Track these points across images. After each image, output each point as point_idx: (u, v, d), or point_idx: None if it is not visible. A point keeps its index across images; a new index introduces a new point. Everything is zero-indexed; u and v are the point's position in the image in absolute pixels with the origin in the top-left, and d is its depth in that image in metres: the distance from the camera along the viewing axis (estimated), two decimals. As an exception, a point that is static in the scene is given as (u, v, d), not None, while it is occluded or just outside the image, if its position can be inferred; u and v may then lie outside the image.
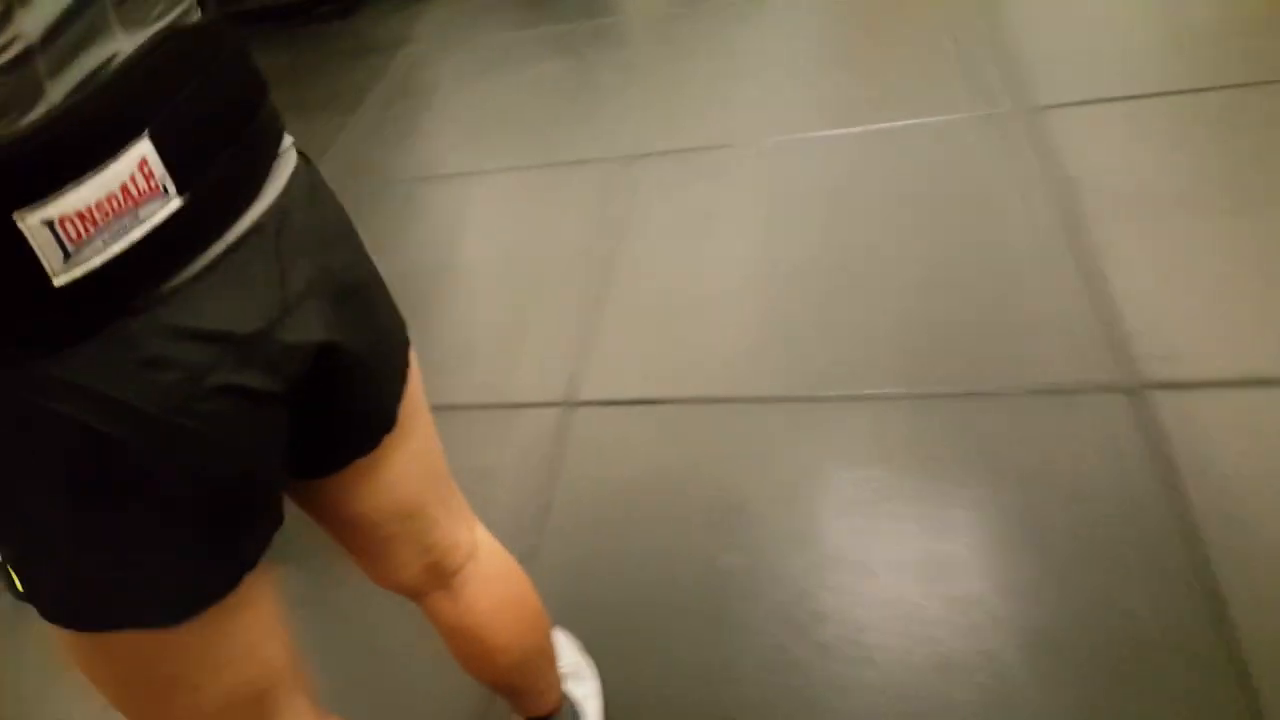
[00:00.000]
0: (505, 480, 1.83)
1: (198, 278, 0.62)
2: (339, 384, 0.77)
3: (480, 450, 1.92)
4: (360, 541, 0.95)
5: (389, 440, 0.86)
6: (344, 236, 0.79)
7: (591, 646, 1.47)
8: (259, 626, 0.77)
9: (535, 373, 2.07)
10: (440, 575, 1.01)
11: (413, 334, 0.92)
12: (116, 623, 0.68)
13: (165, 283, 0.60)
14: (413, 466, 0.91)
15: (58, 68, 0.54)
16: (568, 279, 2.32)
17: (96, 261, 0.56)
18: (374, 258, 0.83)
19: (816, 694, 1.36)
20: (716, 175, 2.56)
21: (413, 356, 0.91)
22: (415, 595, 1.04)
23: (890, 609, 1.44)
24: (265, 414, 0.69)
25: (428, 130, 3.25)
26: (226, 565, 0.72)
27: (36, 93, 0.53)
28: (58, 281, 0.55)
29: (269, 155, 0.70)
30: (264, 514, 0.75)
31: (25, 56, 0.53)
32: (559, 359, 2.08)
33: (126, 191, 0.57)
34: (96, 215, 0.56)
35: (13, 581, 0.66)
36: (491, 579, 1.06)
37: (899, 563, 1.50)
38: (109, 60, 0.57)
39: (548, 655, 1.20)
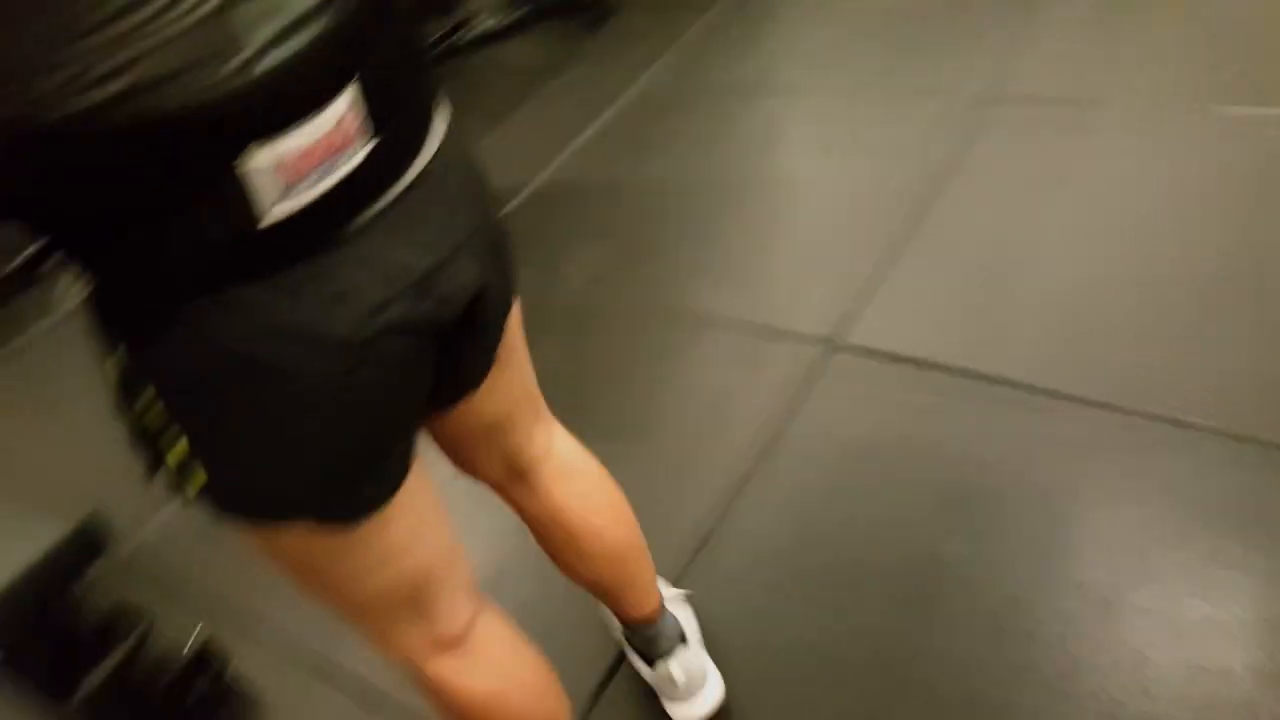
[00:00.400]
0: (743, 404, 1.82)
1: (379, 217, 0.67)
2: (469, 329, 0.80)
3: (728, 369, 1.92)
4: (443, 443, 1.03)
5: (494, 377, 0.93)
6: (488, 190, 0.83)
7: (777, 589, 1.45)
8: (409, 531, 0.85)
9: (808, 304, 2.01)
10: (515, 471, 1.08)
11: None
12: (278, 517, 0.77)
13: (354, 221, 0.66)
14: (502, 394, 0.98)
15: (256, 18, 0.58)
16: (873, 215, 2.20)
17: (303, 201, 0.61)
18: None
19: (997, 714, 1.26)
20: (1077, 135, 2.28)
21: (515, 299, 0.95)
22: (496, 489, 1.10)
23: (1113, 654, 1.28)
24: (429, 347, 0.75)
25: (769, 40, 3.18)
26: (380, 482, 0.80)
27: (237, 43, 0.57)
28: (268, 220, 0.60)
29: (433, 105, 0.74)
30: (412, 438, 0.83)
31: (224, 6, 0.57)
32: (837, 296, 2.00)
33: (334, 135, 0.62)
34: (308, 158, 0.60)
35: (184, 486, 0.74)
36: (567, 474, 1.11)
37: (1140, 609, 1.32)
38: (307, 11, 0.60)
39: (638, 553, 1.21)
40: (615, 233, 2.44)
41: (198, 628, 1.38)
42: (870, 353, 1.85)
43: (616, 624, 1.34)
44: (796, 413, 1.77)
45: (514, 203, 2.66)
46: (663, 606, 1.28)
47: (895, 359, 1.82)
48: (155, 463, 0.74)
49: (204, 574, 1.78)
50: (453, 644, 0.95)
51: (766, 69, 3.02)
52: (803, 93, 2.82)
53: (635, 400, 1.95)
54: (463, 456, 1.06)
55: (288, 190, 0.60)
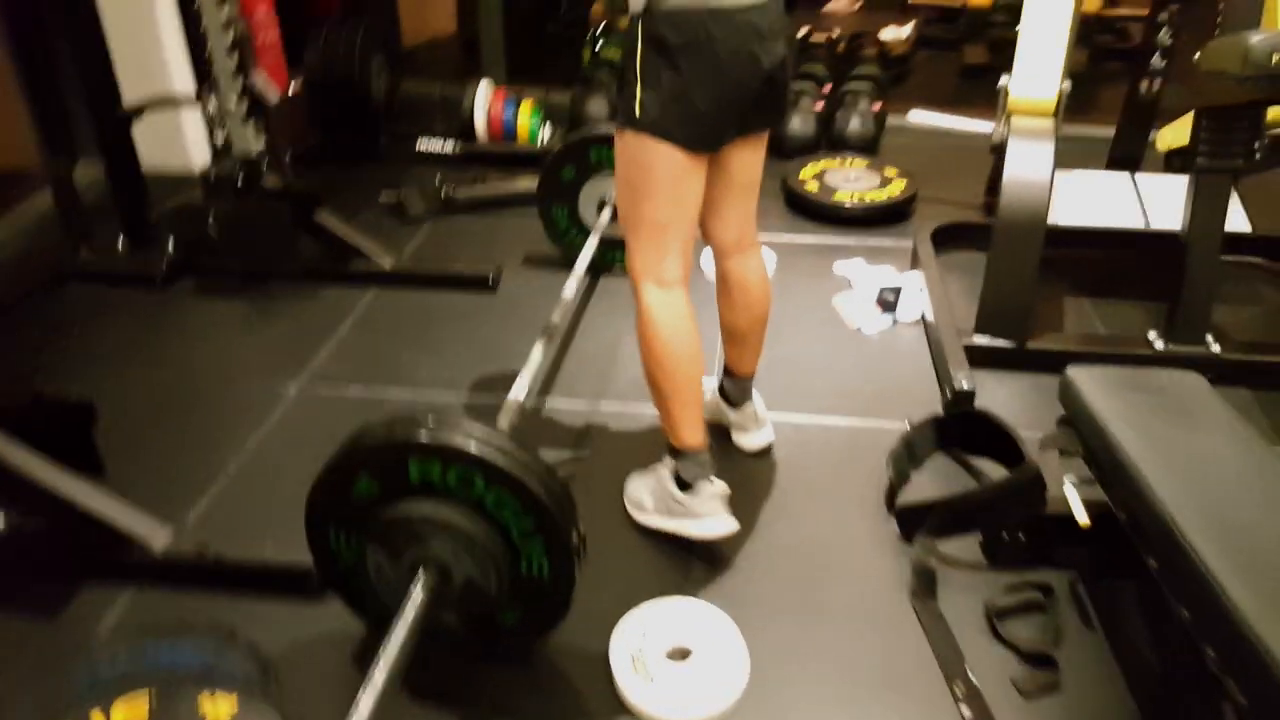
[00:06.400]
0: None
1: (752, 8, 1.51)
2: (769, 89, 1.60)
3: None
4: (719, 194, 1.74)
5: (756, 143, 1.72)
6: (786, 20, 1.60)
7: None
8: (698, 186, 1.64)
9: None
10: (740, 244, 1.85)
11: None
12: (669, 139, 1.55)
13: (752, 2, 1.52)
14: (752, 168, 1.76)
15: None
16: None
17: None
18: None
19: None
20: None
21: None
22: (722, 254, 1.85)
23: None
24: (762, 76, 1.56)
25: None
26: (720, 141, 1.63)
27: None
28: None
29: None
30: (738, 127, 1.63)
31: None
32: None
33: None
34: None
35: (631, 110, 1.55)
36: (757, 265, 1.88)
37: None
38: None
39: (763, 331, 1.95)
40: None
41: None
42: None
43: (716, 397, 2.06)
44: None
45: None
46: (753, 377, 2.03)
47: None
48: (629, 111, 1.54)
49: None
50: (664, 285, 1.67)
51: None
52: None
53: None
54: (719, 211, 1.77)
55: None
